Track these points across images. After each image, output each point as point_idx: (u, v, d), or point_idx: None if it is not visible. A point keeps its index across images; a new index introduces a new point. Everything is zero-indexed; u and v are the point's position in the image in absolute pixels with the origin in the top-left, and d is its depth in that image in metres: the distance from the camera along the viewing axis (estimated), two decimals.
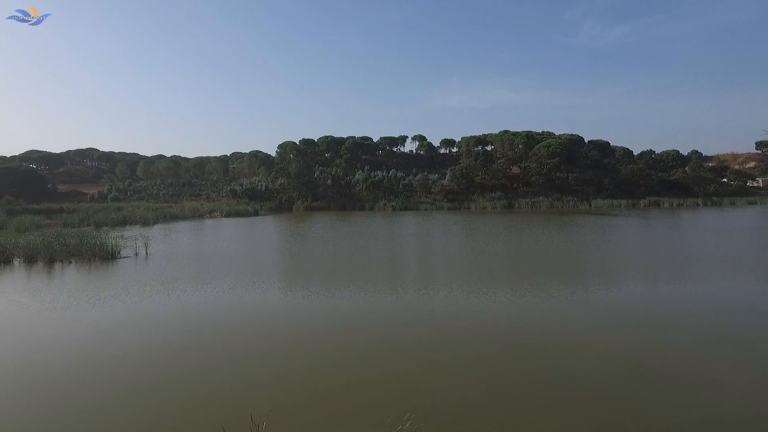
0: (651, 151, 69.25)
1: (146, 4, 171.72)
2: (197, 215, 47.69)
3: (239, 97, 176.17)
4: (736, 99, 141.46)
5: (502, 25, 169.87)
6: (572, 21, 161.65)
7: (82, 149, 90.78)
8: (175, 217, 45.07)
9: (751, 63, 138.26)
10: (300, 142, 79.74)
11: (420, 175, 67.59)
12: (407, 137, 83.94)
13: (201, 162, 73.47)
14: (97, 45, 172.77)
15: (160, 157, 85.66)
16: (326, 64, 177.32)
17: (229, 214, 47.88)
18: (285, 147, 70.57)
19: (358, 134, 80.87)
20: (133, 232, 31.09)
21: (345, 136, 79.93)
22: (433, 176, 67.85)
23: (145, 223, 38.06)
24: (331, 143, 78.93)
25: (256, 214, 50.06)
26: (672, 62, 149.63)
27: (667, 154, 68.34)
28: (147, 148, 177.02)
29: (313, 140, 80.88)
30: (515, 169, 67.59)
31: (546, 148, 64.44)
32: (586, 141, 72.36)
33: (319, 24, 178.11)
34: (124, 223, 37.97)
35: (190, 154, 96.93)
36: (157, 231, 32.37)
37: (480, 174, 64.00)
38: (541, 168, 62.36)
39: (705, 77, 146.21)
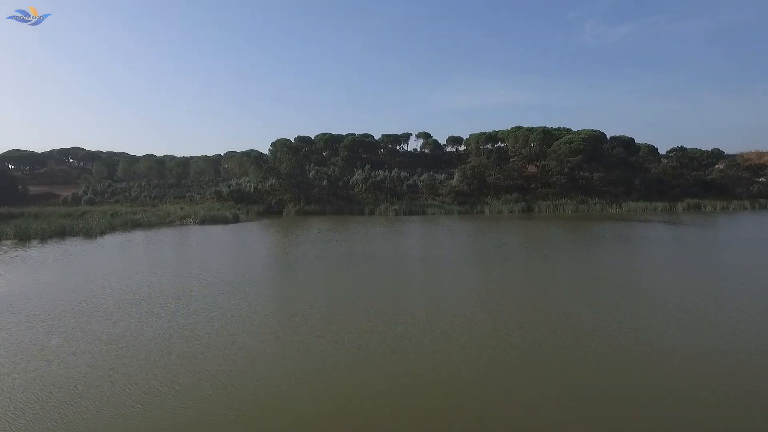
0: (682, 148, 60.27)
1: (144, 2, 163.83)
2: (167, 222, 39.35)
3: (236, 96, 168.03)
4: (741, 98, 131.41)
5: (504, 24, 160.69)
6: (576, 20, 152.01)
7: (67, 148, 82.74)
8: (137, 225, 36.78)
9: (756, 62, 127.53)
10: (295, 139, 71.27)
11: (425, 175, 58.99)
12: (411, 134, 75.43)
13: (186, 162, 65.05)
14: (89, 43, 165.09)
15: (150, 156, 77.35)
16: (326, 63, 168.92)
17: (204, 221, 39.46)
18: (278, 145, 62.19)
19: (358, 134, 72.28)
20: (44, 250, 22.72)
21: (344, 134, 71.43)
22: (440, 176, 59.25)
23: (89, 234, 29.68)
24: (329, 141, 70.40)
25: (236, 220, 41.60)
26: (676, 61, 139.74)
27: (700, 152, 59.41)
28: (139, 147, 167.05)
29: (309, 138, 72.41)
30: (531, 168, 58.83)
31: (567, 145, 55.64)
32: (607, 137, 63.39)
33: (320, 23, 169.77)
34: (63, 234, 29.69)
35: (185, 153, 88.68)
36: (83, 247, 24.01)
37: (493, 173, 55.27)
38: (561, 167, 53.57)
39: (709, 76, 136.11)
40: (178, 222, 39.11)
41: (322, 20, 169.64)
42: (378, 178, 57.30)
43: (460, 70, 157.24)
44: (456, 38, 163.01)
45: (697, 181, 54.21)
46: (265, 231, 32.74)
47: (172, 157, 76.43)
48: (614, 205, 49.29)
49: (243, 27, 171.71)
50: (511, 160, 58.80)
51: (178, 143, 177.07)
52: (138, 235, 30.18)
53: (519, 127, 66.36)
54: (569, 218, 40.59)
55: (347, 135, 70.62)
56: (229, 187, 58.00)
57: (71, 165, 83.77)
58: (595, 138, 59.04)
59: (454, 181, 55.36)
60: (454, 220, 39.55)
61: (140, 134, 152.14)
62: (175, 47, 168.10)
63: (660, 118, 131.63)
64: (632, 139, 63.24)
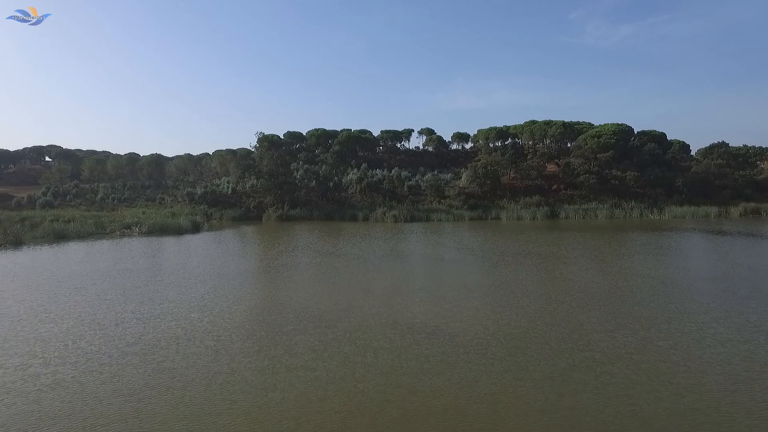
0: (724, 144, 50.38)
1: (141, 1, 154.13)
2: (108, 231, 29.90)
3: (234, 97, 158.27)
4: (745, 98, 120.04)
5: (505, 25, 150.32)
6: (577, 21, 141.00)
7: (41, 146, 73.37)
8: (61, 236, 27.34)
9: (759, 62, 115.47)
10: (285, 135, 61.72)
11: (429, 175, 49.39)
12: (413, 130, 65.66)
13: (158, 159, 55.42)
14: (81, 42, 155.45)
15: (133, 154, 67.91)
16: (326, 64, 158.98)
17: (151, 231, 29.93)
18: (263, 141, 52.59)
19: (355, 130, 62.53)
20: None
21: (339, 129, 61.82)
22: (446, 176, 49.67)
23: None
24: (322, 137, 60.80)
25: (196, 229, 32.03)
26: (679, 62, 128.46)
27: (746, 148, 49.52)
28: (128, 147, 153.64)
29: (300, 134, 62.83)
30: (550, 167, 49.08)
31: (594, 139, 45.89)
32: (635, 131, 53.42)
33: (320, 24, 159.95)
34: None
35: (174, 153, 77.71)
36: None
37: (508, 172, 45.63)
38: (589, 165, 43.83)
39: (712, 77, 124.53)
40: (119, 232, 29.60)
41: (322, 21, 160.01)
42: (375, 179, 47.68)
43: (460, 72, 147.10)
44: (455, 40, 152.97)
45: (747, 182, 44.36)
46: (210, 249, 23.17)
47: (161, 156, 66.86)
48: (653, 209, 39.61)
49: (243, 27, 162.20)
50: (529, 156, 48.92)
51: (172, 143, 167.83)
52: (34, 255, 20.66)
53: (533, 121, 56.71)
54: (611, 227, 30.87)
55: (342, 130, 61.02)
56: (205, 188, 48.60)
57: (47, 164, 74.44)
58: (624, 132, 49.27)
59: (463, 181, 45.76)
60: (467, 230, 29.90)
61: (131, 134, 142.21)
62: (172, 46, 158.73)
63: (664, 118, 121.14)
64: (664, 135, 53.31)
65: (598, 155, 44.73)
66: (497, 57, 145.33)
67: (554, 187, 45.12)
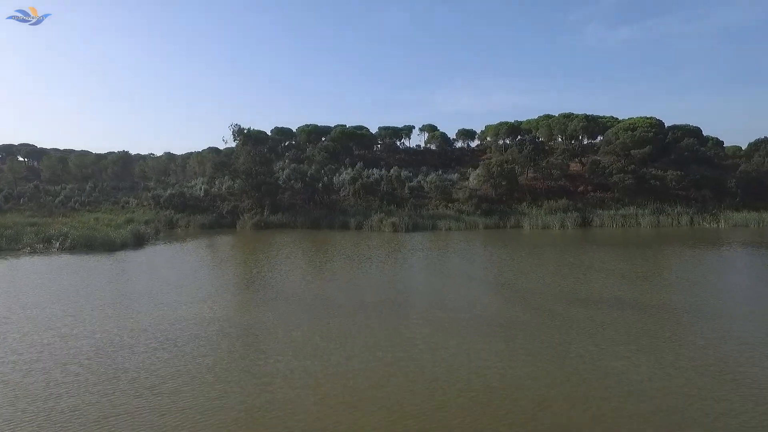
0: (767, 140, 42.61)
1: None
2: (22, 246, 22.19)
3: (231, 98, 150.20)
4: (742, 100, 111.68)
5: (504, 27, 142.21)
6: (577, 23, 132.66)
7: (12, 145, 65.54)
8: None
9: (759, 64, 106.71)
10: (272, 131, 54.01)
11: (433, 175, 41.60)
12: (413, 127, 57.88)
13: (125, 157, 47.62)
14: (71, 39, 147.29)
15: (112, 153, 60.25)
16: (326, 64, 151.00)
17: (75, 246, 22.19)
18: (239, 135, 44.58)
19: (350, 126, 54.72)
20: None
21: (332, 125, 54.04)
22: (452, 176, 41.95)
23: None
24: (313, 133, 53.07)
25: (139, 242, 24.27)
26: (680, 63, 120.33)
27: None
28: (118, 146, 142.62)
29: (290, 130, 55.06)
30: (573, 166, 41.30)
31: (628, 133, 38.17)
32: (665, 126, 45.58)
33: (320, 24, 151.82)
34: None
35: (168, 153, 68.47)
36: None
37: (526, 172, 37.93)
38: (623, 164, 36.11)
39: (713, 79, 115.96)
40: (29, 249, 21.85)
41: (321, 23, 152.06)
42: (371, 179, 39.91)
43: (459, 73, 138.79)
44: (456, 41, 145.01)
45: None
46: (112, 282, 15.52)
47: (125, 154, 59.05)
48: (705, 214, 31.94)
49: (244, 27, 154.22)
50: (551, 153, 40.91)
51: (163, 143, 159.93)
52: None
53: (549, 115, 49.04)
54: (671, 239, 23.18)
55: (336, 126, 53.26)
56: (173, 190, 40.85)
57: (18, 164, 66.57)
58: (653, 127, 41.49)
59: (472, 182, 38.07)
60: (488, 245, 22.20)
61: (122, 134, 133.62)
62: (166, 44, 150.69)
63: (670, 118, 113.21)
64: (699, 129, 45.57)
65: (631, 151, 37.02)
66: (496, 58, 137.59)
67: (580, 188, 37.40)
